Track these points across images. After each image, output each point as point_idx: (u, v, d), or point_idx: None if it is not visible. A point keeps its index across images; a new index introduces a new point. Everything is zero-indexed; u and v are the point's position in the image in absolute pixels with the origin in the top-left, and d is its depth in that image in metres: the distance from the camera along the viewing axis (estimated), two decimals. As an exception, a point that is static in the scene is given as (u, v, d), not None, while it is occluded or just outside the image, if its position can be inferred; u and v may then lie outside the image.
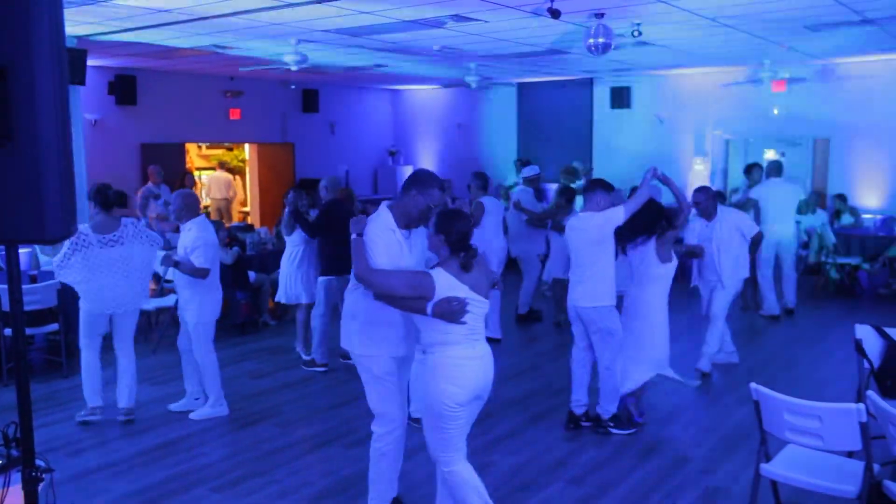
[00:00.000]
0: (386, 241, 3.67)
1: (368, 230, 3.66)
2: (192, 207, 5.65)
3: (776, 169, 8.88)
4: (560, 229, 8.50)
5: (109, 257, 5.39)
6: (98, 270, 5.36)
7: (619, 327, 5.28)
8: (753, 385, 3.61)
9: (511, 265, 8.76)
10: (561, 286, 8.60)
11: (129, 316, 5.67)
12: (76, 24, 7.56)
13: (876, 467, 3.40)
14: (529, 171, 8.95)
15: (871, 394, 3.49)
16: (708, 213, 6.72)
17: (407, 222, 3.77)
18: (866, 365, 4.45)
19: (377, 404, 3.89)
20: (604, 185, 5.27)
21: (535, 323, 8.81)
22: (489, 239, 7.55)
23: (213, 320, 5.74)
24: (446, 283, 3.47)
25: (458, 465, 3.62)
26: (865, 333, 4.51)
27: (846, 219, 11.15)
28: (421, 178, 3.79)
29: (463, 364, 3.51)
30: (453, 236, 3.51)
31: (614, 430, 5.33)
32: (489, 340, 7.51)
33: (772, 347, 7.62)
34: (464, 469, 3.62)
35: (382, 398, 3.87)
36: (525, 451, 5.05)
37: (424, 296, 3.44)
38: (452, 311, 3.42)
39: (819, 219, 10.67)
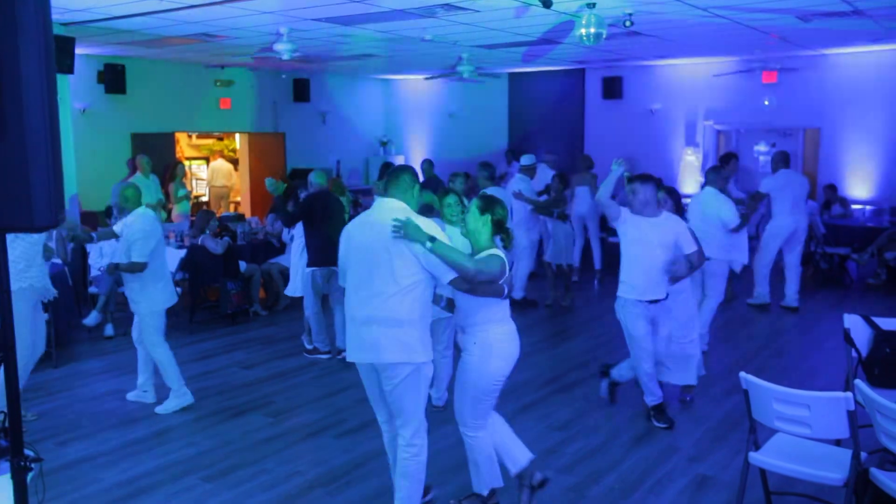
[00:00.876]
0: None
1: (423, 224, 3.59)
2: (134, 199, 5.60)
3: (786, 159, 8.70)
4: (563, 217, 8.63)
5: None
6: None
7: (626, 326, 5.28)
8: (743, 374, 3.63)
9: None
10: (560, 271, 8.77)
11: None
12: (63, 11, 7.49)
13: (863, 455, 3.42)
14: (527, 159, 8.98)
15: (859, 382, 3.52)
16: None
17: None
18: (854, 354, 4.48)
19: (421, 413, 3.75)
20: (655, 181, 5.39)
21: (530, 309, 8.87)
22: None
23: (164, 310, 5.67)
24: (507, 263, 3.76)
25: (484, 431, 3.90)
26: (854, 323, 4.55)
27: (836, 209, 11.20)
28: (418, 176, 3.91)
29: (509, 340, 3.84)
30: (497, 216, 3.79)
31: (654, 422, 5.34)
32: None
33: (761, 337, 7.66)
34: (486, 436, 3.92)
35: (424, 405, 3.77)
36: (516, 441, 5.07)
37: (502, 276, 3.68)
38: (511, 290, 3.78)
39: (809, 209, 10.72)
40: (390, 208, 3.67)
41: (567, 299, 9.01)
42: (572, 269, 9.02)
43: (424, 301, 3.67)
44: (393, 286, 3.57)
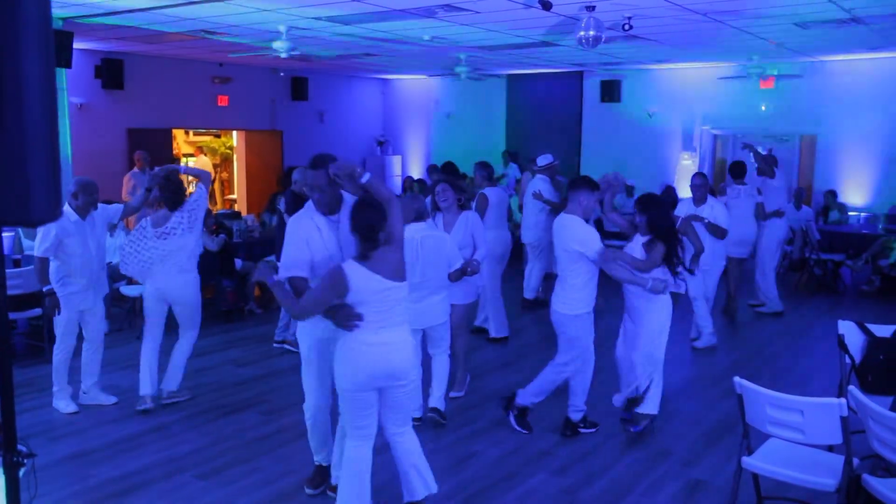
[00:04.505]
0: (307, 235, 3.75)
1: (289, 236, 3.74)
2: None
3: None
4: None
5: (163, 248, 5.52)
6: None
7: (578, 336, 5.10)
8: (737, 379, 3.64)
9: (516, 255, 8.93)
10: None
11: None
12: (62, 5, 7.47)
13: (855, 461, 3.44)
14: (543, 160, 8.86)
15: (853, 389, 3.53)
16: (701, 198, 7.26)
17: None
18: (848, 360, 4.49)
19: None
20: (589, 183, 5.00)
21: (541, 309, 8.92)
22: (493, 230, 7.45)
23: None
24: (359, 275, 3.50)
25: (353, 441, 3.71)
26: (848, 329, 4.56)
27: (834, 215, 11.24)
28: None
29: (361, 350, 3.56)
30: (363, 227, 3.54)
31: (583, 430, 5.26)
32: (494, 341, 7.47)
33: (755, 342, 7.68)
34: (354, 447, 3.71)
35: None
36: (509, 442, 5.07)
37: (343, 293, 3.51)
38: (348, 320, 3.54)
39: (805, 215, 10.75)
40: None
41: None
42: None
43: None
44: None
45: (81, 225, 5.40)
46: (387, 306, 3.57)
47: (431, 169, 11.26)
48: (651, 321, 5.10)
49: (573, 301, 4.96)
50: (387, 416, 3.75)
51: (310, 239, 3.72)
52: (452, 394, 5.87)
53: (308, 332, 3.94)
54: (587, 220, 5.01)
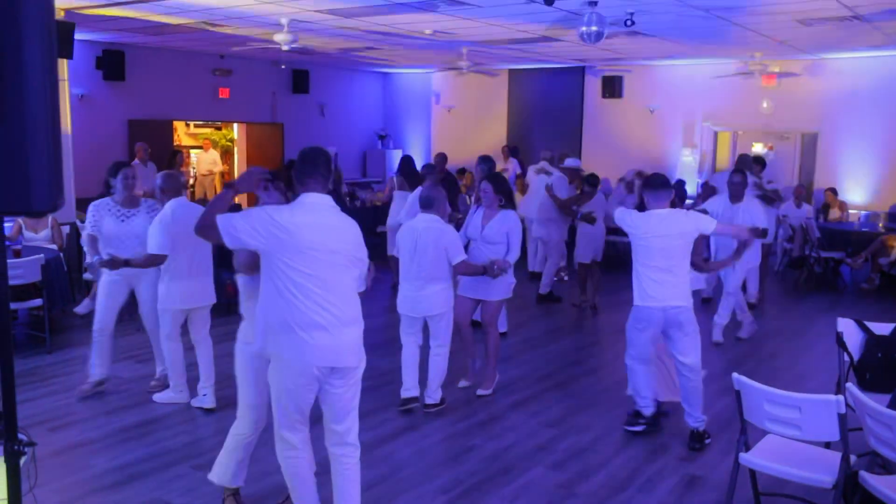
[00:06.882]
0: None
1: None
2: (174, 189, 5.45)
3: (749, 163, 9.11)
4: (589, 220, 8.46)
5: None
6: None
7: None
8: (735, 375, 3.65)
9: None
10: (585, 270, 8.66)
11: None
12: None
13: (852, 458, 3.44)
14: (572, 162, 9.22)
15: (850, 386, 3.54)
16: (738, 196, 7.04)
17: None
18: (846, 358, 4.51)
19: None
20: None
21: (554, 304, 9.04)
22: None
23: (174, 308, 5.45)
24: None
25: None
26: (846, 327, 4.58)
27: (834, 213, 11.24)
28: None
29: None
30: None
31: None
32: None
33: (754, 339, 7.69)
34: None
35: None
36: (507, 436, 5.08)
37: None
38: None
39: (805, 213, 10.76)
40: (328, 205, 3.56)
41: (594, 298, 8.74)
42: (593, 265, 8.62)
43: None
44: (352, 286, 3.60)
45: None
46: None
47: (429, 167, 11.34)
48: None
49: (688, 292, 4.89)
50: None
51: None
52: (480, 391, 5.84)
53: None
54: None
